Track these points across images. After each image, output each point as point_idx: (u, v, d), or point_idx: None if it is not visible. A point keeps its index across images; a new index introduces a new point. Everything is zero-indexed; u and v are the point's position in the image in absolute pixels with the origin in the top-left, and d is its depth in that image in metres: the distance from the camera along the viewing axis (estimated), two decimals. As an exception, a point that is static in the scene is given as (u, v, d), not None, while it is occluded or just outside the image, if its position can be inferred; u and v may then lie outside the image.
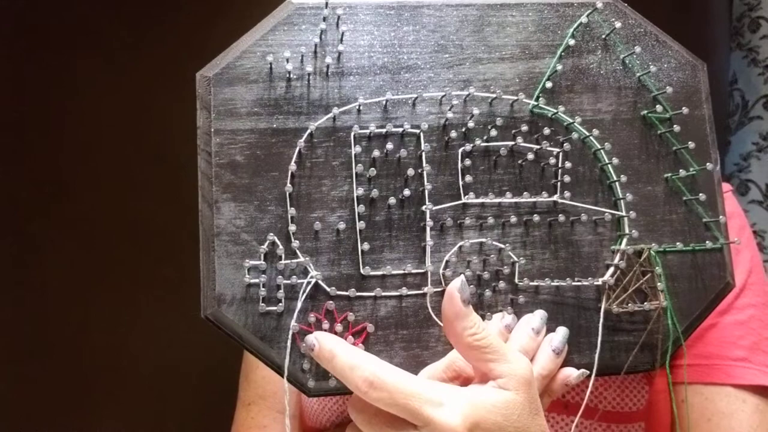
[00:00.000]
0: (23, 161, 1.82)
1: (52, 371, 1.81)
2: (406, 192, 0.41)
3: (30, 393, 1.82)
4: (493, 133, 0.42)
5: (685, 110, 0.44)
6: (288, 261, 0.40)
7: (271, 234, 0.40)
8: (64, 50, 1.83)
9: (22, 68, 1.83)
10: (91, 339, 1.81)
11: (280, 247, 0.41)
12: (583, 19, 0.43)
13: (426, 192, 0.42)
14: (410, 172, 0.41)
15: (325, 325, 0.40)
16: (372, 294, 0.41)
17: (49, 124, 1.82)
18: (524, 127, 0.42)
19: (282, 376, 0.39)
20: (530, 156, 0.42)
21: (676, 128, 0.43)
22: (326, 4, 0.42)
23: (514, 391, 0.36)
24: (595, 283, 0.42)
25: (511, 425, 0.36)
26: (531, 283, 0.42)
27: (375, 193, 0.41)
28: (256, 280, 0.40)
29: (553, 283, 0.42)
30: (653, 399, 0.51)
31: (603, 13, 0.44)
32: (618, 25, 0.43)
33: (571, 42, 0.43)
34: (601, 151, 0.43)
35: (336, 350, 0.37)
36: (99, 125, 1.83)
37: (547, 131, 0.43)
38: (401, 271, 0.42)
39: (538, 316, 0.42)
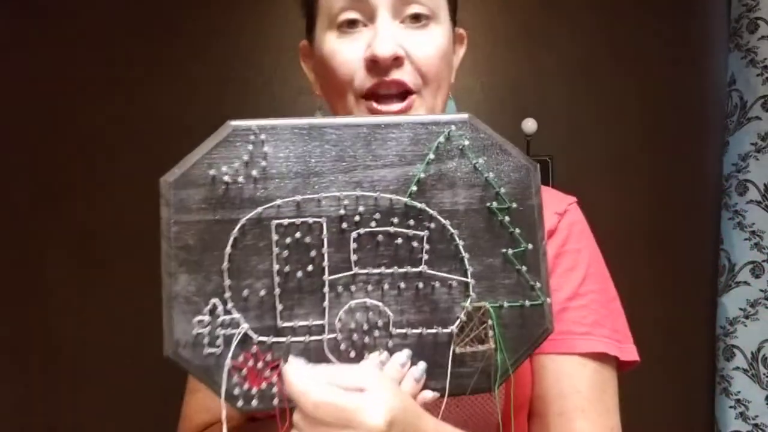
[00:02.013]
0: (24, 162, 1.83)
1: (51, 371, 1.82)
2: (310, 267, 0.57)
3: (30, 393, 1.82)
4: (374, 224, 0.57)
5: (514, 205, 0.59)
6: (225, 317, 0.56)
7: (215, 298, 0.56)
8: (66, 52, 1.83)
9: (22, 69, 1.83)
10: (90, 339, 1.82)
11: (220, 307, 0.56)
12: (441, 139, 0.58)
13: (326, 267, 0.57)
14: (313, 253, 0.57)
15: (251, 362, 0.55)
16: (284, 339, 0.56)
17: (50, 124, 1.83)
18: (396, 219, 0.58)
19: (217, 394, 0.54)
20: (399, 241, 0.58)
21: (507, 219, 0.59)
22: (253, 128, 0.57)
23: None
24: (446, 330, 0.58)
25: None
26: (401, 331, 0.57)
27: (288, 268, 0.56)
28: (202, 331, 0.55)
29: (417, 331, 0.57)
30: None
31: (461, 128, 0.59)
32: (466, 143, 0.58)
33: (432, 157, 0.58)
34: (455, 234, 0.58)
35: (292, 380, 0.53)
36: (99, 125, 1.84)
37: (412, 222, 0.58)
38: (307, 323, 0.57)
39: (404, 354, 0.57)
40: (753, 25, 1.70)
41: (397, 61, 0.66)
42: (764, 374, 1.71)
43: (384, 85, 0.67)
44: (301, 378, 0.53)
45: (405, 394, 0.55)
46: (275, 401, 0.55)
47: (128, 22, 1.83)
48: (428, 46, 0.68)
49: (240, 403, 0.55)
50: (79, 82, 1.82)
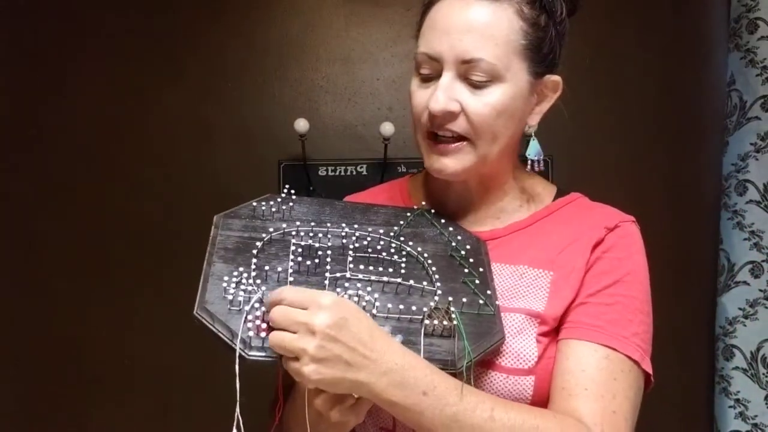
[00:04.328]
0: (25, 163, 1.83)
1: (52, 371, 1.82)
2: (316, 268, 0.74)
3: (30, 393, 1.83)
4: (365, 248, 0.79)
5: (463, 252, 0.80)
6: (248, 285, 0.70)
7: (242, 274, 0.71)
8: (67, 53, 1.83)
9: (24, 71, 1.83)
10: (91, 339, 1.82)
11: (244, 278, 0.71)
12: (410, 215, 0.85)
13: (328, 269, 0.74)
14: (318, 260, 0.75)
15: (262, 319, 0.67)
16: None
17: (51, 126, 1.83)
18: (380, 247, 0.80)
19: (233, 342, 0.64)
20: (383, 261, 0.78)
21: (463, 262, 0.79)
22: (287, 192, 0.84)
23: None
24: (418, 317, 0.71)
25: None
26: (382, 315, 0.70)
27: (300, 265, 0.73)
28: (229, 289, 0.69)
29: (395, 316, 0.71)
30: (542, 363, 0.75)
31: (422, 211, 0.86)
32: (431, 213, 0.86)
33: (403, 224, 0.83)
34: (428, 264, 0.79)
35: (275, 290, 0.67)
36: (101, 127, 1.84)
37: (393, 251, 0.80)
38: None
39: (386, 327, 0.71)
40: (752, 26, 1.71)
41: (451, 115, 0.76)
42: (764, 374, 1.71)
43: (441, 130, 0.78)
44: (282, 288, 0.66)
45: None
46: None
47: (128, 27, 1.84)
48: (481, 104, 0.76)
49: (249, 350, 0.64)
50: (87, 87, 1.83)
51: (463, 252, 0.80)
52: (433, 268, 0.78)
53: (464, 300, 0.74)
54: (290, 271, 0.72)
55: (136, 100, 1.83)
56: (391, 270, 0.76)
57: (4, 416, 1.80)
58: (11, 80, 1.83)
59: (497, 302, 0.76)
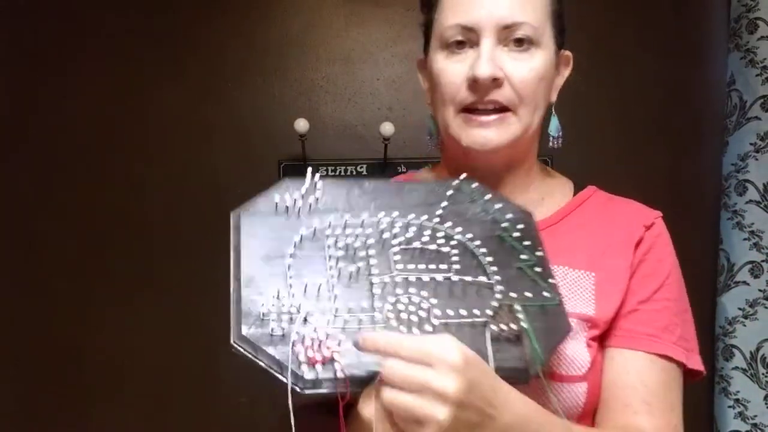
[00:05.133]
0: (25, 163, 1.83)
1: (52, 371, 1.82)
2: (358, 269, 0.66)
3: (30, 393, 1.83)
4: (409, 237, 0.68)
5: (515, 234, 0.71)
6: (288, 302, 0.62)
7: (279, 287, 0.63)
8: (67, 53, 1.83)
9: (24, 71, 1.83)
10: (91, 339, 1.82)
11: (284, 293, 0.62)
12: (449, 191, 0.73)
13: (371, 268, 0.66)
14: (360, 258, 0.66)
15: (312, 343, 0.59)
16: (341, 325, 0.62)
17: (52, 125, 1.83)
18: (427, 238, 0.69)
19: (283, 375, 0.57)
20: (431, 253, 0.68)
21: (516, 245, 0.70)
22: (312, 176, 0.72)
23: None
24: (480, 319, 0.64)
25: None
26: (441, 321, 0.63)
27: (340, 268, 0.65)
28: (268, 311, 0.61)
29: (455, 321, 0.64)
30: (594, 368, 0.73)
31: (468, 184, 0.74)
32: (474, 185, 0.74)
33: (444, 204, 0.72)
34: (480, 253, 0.69)
35: (381, 336, 0.59)
36: (100, 127, 1.84)
37: (442, 240, 0.69)
38: (357, 313, 0.63)
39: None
40: (752, 26, 1.71)
41: (495, 82, 0.73)
42: (763, 374, 1.71)
43: (482, 103, 0.74)
44: (389, 334, 0.60)
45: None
46: (338, 374, 0.58)
47: (128, 27, 1.84)
48: (527, 69, 0.74)
49: (303, 384, 0.58)
50: (87, 87, 1.83)
51: (516, 234, 0.71)
52: (488, 259, 0.69)
53: (527, 294, 0.67)
54: (333, 282, 0.64)
55: (136, 100, 1.83)
56: (442, 266, 0.67)
57: (4, 416, 1.80)
58: (11, 80, 1.82)
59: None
